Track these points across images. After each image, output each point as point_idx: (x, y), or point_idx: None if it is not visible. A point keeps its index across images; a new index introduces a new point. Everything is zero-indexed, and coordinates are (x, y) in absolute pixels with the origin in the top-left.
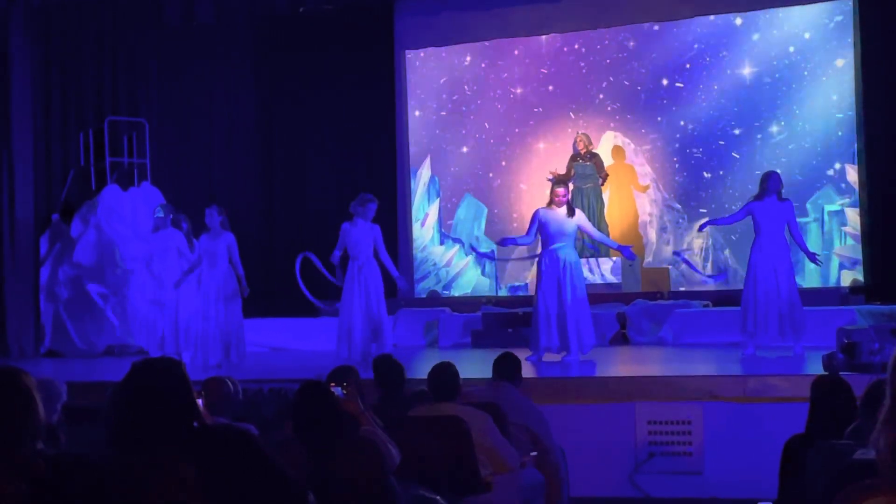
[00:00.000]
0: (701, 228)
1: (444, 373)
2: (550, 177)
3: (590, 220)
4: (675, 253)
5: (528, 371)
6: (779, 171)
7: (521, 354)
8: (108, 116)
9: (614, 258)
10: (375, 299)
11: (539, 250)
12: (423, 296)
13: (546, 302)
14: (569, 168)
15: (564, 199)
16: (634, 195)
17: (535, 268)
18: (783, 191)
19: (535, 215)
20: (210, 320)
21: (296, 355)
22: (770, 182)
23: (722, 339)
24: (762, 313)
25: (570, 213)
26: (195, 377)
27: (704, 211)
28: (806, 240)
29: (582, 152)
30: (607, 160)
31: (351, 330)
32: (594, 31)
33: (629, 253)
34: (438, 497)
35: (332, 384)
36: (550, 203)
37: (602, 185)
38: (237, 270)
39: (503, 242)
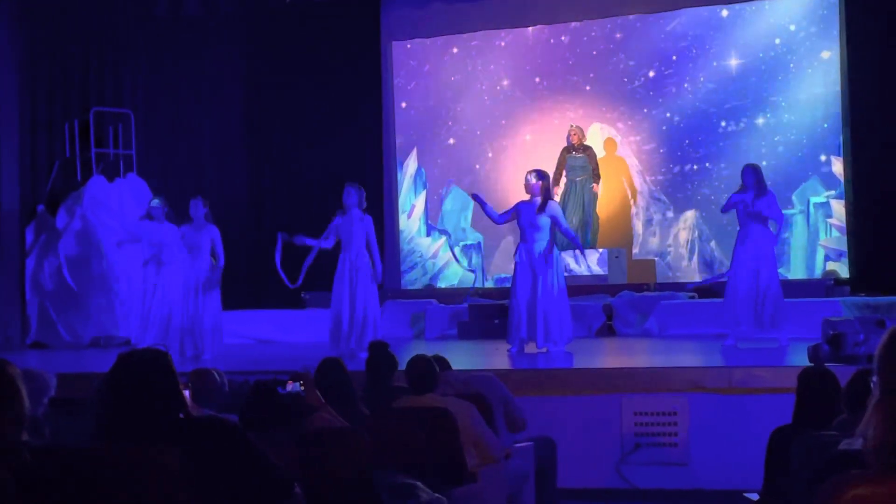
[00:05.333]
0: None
1: (419, 365)
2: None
3: (582, 211)
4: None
5: (505, 363)
6: (756, 163)
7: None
8: (93, 107)
9: (600, 249)
10: (363, 292)
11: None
12: (417, 287)
13: (518, 294)
14: (561, 160)
15: (536, 188)
16: (626, 187)
17: None
18: (767, 183)
19: (515, 205)
20: (189, 311)
21: (282, 347)
22: (744, 177)
23: (708, 330)
24: (742, 305)
25: (542, 207)
26: (176, 368)
27: (690, 203)
28: (792, 231)
29: (575, 144)
30: (599, 152)
31: (339, 322)
32: (581, 22)
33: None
34: (419, 483)
35: (290, 381)
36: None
37: (595, 184)
38: (218, 263)
39: (476, 197)
